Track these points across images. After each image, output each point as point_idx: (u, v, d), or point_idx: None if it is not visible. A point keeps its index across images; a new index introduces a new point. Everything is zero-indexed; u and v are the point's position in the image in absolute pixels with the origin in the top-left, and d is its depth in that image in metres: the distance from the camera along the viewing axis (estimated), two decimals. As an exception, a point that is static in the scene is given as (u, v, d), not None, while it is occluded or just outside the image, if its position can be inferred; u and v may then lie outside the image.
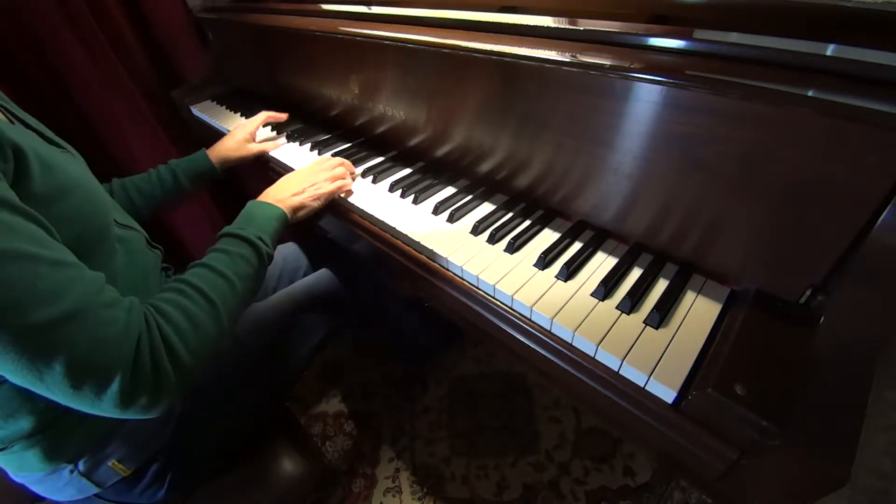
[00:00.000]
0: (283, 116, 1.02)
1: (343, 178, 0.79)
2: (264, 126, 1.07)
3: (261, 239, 0.61)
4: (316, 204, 0.74)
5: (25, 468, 0.55)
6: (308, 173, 0.76)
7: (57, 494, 0.59)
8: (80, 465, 0.56)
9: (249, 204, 0.68)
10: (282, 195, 0.71)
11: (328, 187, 0.76)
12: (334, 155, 0.90)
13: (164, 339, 0.45)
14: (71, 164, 0.51)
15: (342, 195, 0.78)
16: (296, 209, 0.71)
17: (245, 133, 0.93)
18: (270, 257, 0.62)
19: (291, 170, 0.83)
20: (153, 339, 0.44)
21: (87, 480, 0.57)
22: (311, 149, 0.95)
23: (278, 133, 1.03)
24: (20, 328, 0.37)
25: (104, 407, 0.42)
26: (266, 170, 0.97)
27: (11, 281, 0.36)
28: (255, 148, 0.94)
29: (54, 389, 0.40)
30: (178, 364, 0.46)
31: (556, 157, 0.63)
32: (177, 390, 0.46)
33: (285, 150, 0.96)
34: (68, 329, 0.39)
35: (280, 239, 0.68)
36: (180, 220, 1.28)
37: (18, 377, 0.39)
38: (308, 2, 1.02)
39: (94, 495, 0.60)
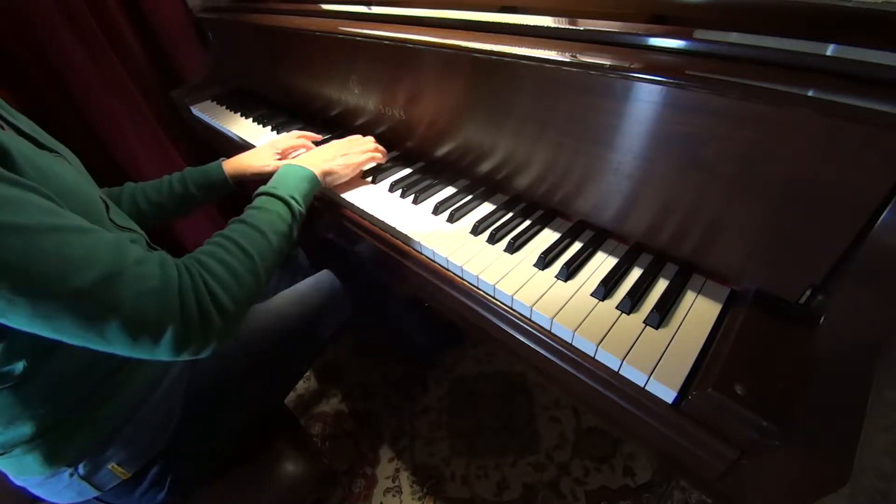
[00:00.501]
0: (317, 137, 0.95)
1: (373, 152, 0.82)
2: (261, 126, 1.08)
3: (293, 198, 0.65)
4: (346, 171, 0.78)
5: (26, 472, 0.55)
6: (339, 145, 0.81)
7: (57, 497, 0.58)
8: (80, 469, 0.56)
9: (282, 166, 0.71)
10: (313, 160, 0.75)
11: (359, 158, 0.80)
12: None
13: (208, 289, 0.48)
14: (64, 170, 0.51)
15: (341, 194, 0.78)
16: (326, 173, 0.75)
17: (270, 152, 0.87)
18: (303, 215, 0.66)
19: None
20: (198, 290, 0.48)
21: (86, 483, 0.57)
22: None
23: (277, 134, 1.03)
24: (68, 294, 0.39)
25: (160, 353, 0.45)
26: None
27: (45, 251, 0.38)
28: (278, 164, 0.84)
29: (116, 344, 0.43)
30: (222, 311, 0.49)
31: (556, 157, 0.63)
32: (223, 335, 0.49)
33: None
34: (112, 289, 0.41)
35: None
36: (180, 222, 1.27)
37: (80, 339, 0.42)
38: (308, 2, 1.02)
39: (94, 498, 0.60)
